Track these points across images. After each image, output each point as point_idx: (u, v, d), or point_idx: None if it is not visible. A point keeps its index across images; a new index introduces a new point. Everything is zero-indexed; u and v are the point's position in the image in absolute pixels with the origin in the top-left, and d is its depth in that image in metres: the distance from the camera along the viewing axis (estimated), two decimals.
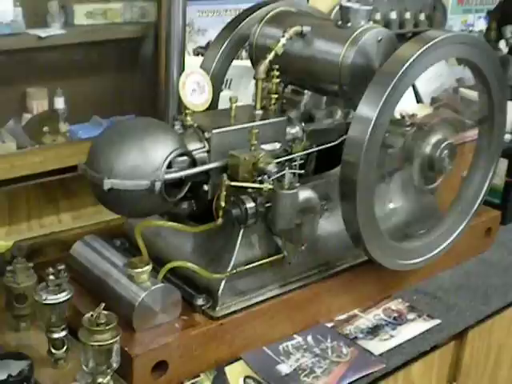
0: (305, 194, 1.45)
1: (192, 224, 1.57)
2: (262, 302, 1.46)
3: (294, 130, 1.59)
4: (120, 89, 2.02)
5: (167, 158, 1.40)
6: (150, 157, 1.33)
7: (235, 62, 1.70)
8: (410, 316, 1.63)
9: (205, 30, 2.16)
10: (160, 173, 1.39)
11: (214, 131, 1.42)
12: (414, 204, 1.73)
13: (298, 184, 1.47)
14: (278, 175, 1.43)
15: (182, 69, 1.91)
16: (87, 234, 1.53)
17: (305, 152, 1.59)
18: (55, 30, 1.79)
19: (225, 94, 1.83)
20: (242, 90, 1.88)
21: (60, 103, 1.92)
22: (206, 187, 1.43)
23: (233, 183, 1.36)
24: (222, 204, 1.47)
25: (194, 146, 1.44)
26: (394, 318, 1.62)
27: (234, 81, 1.88)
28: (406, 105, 1.92)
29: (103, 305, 1.24)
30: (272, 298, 1.48)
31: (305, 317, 1.54)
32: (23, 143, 1.79)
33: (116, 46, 1.95)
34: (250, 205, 1.36)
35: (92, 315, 1.23)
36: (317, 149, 1.62)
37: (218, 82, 1.71)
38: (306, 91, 1.63)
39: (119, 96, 2.01)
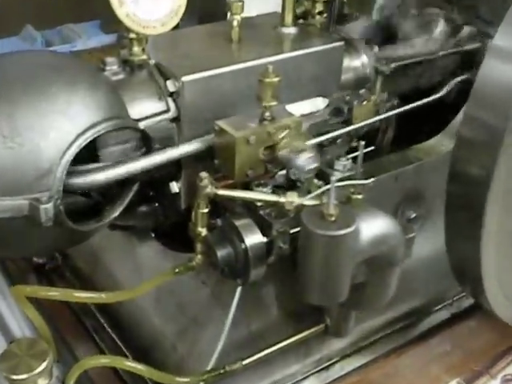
0: (376, 227, 0.66)
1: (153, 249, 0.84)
2: None
3: (359, 63, 0.87)
4: None
5: (69, 147, 0.64)
6: (33, 147, 0.65)
7: None
8: None
9: None
10: (51, 181, 0.63)
11: (187, 78, 0.75)
12: None
13: (357, 196, 0.69)
14: (319, 191, 0.65)
15: None
16: None
17: (379, 117, 0.80)
18: None
19: None
20: None
21: None
22: (175, 186, 0.80)
23: (221, 191, 0.57)
24: (201, 231, 0.71)
25: (145, 108, 0.76)
26: None
27: None
28: None
29: None
30: None
31: None
32: None
33: None
34: (254, 240, 0.63)
35: None
36: (406, 108, 0.82)
37: None
38: None
39: None
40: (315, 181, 0.78)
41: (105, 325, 0.91)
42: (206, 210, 0.74)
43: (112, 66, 0.75)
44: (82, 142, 0.66)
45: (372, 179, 0.70)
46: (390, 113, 0.82)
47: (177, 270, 0.76)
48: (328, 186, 0.69)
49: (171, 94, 0.75)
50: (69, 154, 0.65)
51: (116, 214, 0.73)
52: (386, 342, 0.92)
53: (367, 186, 0.80)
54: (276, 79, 0.72)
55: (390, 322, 0.93)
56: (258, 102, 0.73)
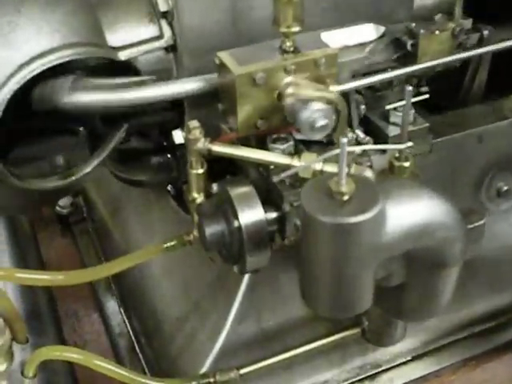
0: (414, 212, 0.46)
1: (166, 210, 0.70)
2: None
3: None
4: None
5: (7, 81, 0.50)
6: None
7: None
8: None
9: None
10: None
11: None
12: None
13: (402, 163, 0.48)
14: (328, 154, 0.46)
15: None
16: None
17: (457, 56, 0.58)
18: None
19: None
20: None
21: None
22: (180, 135, 0.63)
23: (216, 147, 0.39)
24: (195, 197, 0.53)
25: (131, 33, 0.58)
26: None
27: None
28: None
29: None
30: None
31: None
32: None
33: None
34: (252, 217, 0.50)
35: None
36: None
37: None
38: None
39: None
40: (361, 136, 0.58)
41: (115, 294, 0.77)
42: (200, 171, 0.56)
43: None
44: (26, 74, 0.50)
45: (408, 144, 0.48)
46: (476, 51, 0.58)
47: (166, 246, 0.59)
48: (363, 147, 0.49)
49: (164, 14, 0.57)
50: (5, 92, 0.50)
51: (87, 169, 0.57)
52: (457, 349, 0.70)
53: (435, 146, 0.59)
54: None
55: (465, 323, 0.71)
56: (275, 26, 0.53)
